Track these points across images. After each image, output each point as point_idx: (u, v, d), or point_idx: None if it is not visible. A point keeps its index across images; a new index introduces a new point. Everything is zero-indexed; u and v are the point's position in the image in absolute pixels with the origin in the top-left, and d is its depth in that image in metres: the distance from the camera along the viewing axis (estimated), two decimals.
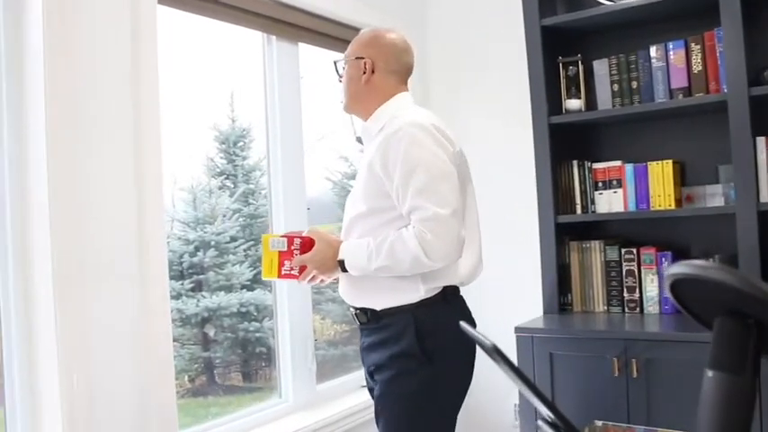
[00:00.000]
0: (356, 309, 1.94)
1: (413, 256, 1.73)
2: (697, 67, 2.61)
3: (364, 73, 1.95)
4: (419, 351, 1.80)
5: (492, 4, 3.30)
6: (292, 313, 2.79)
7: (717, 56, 2.57)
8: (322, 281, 1.98)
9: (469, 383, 1.93)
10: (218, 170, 3.09)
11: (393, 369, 1.84)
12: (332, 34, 2.96)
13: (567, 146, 2.93)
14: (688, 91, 2.63)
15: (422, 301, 1.83)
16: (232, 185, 3.20)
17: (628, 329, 2.56)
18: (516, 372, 0.82)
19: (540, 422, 1.04)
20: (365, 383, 2.97)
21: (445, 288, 1.87)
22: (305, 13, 2.81)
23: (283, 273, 1.93)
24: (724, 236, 2.66)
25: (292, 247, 1.92)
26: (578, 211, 2.88)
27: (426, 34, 3.48)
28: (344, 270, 1.87)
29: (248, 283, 3.49)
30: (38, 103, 1.89)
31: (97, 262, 1.98)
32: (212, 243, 2.98)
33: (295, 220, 2.80)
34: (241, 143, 3.35)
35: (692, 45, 2.62)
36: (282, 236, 1.94)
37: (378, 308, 1.87)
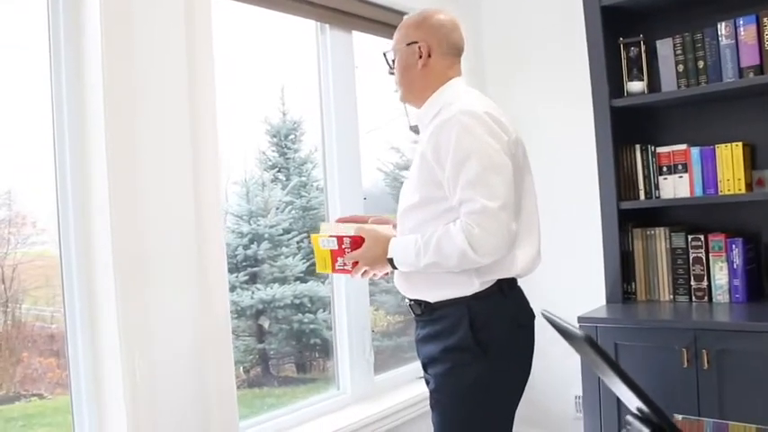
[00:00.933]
0: (411, 300, 1.91)
1: (460, 252, 1.67)
2: None
3: (420, 57, 1.88)
4: (474, 344, 1.75)
5: None
6: (349, 305, 2.78)
7: None
8: (375, 275, 1.95)
9: (527, 377, 1.87)
10: (270, 163, 3.09)
11: (447, 362, 1.79)
12: (385, 21, 2.91)
13: (629, 129, 2.83)
14: (760, 69, 2.50)
15: (476, 293, 1.77)
16: (284, 178, 3.21)
17: (697, 319, 2.46)
18: (611, 363, 0.77)
19: (629, 417, 0.99)
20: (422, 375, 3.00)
21: (500, 281, 1.80)
22: (358, 0, 2.77)
23: (337, 268, 1.92)
24: None
25: (343, 246, 1.89)
26: (641, 196, 2.78)
27: (481, 15, 3.40)
28: (394, 267, 1.84)
29: (302, 275, 3.50)
30: (97, 102, 1.91)
31: (157, 256, 1.99)
32: (266, 236, 2.99)
33: (351, 212, 2.78)
34: (292, 136, 3.35)
35: (765, 20, 2.49)
36: (331, 236, 1.91)
37: (432, 300, 1.83)
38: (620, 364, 2.42)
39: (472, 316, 1.76)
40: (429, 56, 1.88)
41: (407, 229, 1.85)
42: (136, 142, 1.95)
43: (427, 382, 1.96)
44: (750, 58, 2.53)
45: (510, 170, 1.74)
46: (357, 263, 1.87)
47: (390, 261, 1.82)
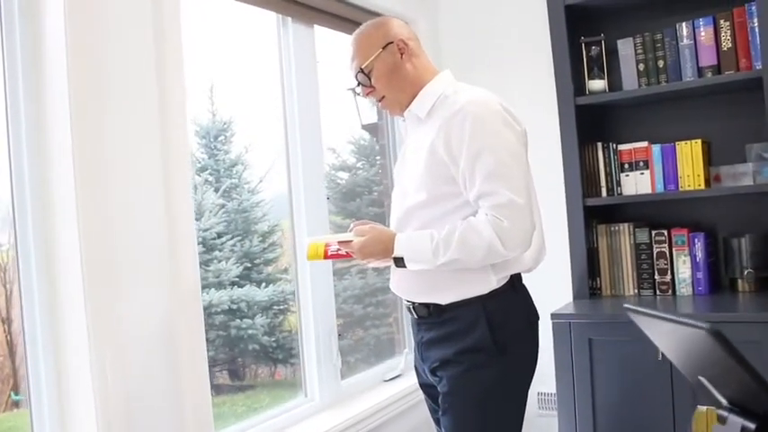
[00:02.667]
0: (415, 302, 1.82)
1: (488, 246, 1.61)
2: (726, 44, 2.57)
3: (403, 54, 1.80)
4: (492, 344, 1.69)
5: None
6: (316, 309, 2.67)
7: (747, 32, 2.53)
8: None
9: (534, 373, 1.84)
10: (200, 165, 2.95)
11: (462, 364, 1.72)
12: (346, 16, 2.84)
13: (590, 127, 2.87)
14: (717, 69, 2.59)
15: (492, 291, 1.72)
16: (214, 180, 3.08)
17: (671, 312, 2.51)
18: (739, 359, 0.73)
19: (721, 412, 0.96)
20: (387, 377, 2.93)
21: (512, 276, 1.77)
22: None
23: (330, 253, 1.80)
24: (753, 215, 2.64)
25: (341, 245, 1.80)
26: (603, 193, 2.83)
27: (438, 12, 3.37)
28: (401, 266, 1.74)
29: (237, 279, 3.37)
30: (61, 94, 1.73)
31: (127, 253, 1.84)
32: (199, 240, 2.85)
33: (315, 211, 2.69)
34: (222, 137, 3.22)
35: (721, 22, 2.58)
36: (328, 243, 1.81)
37: (443, 302, 1.75)
38: (595, 359, 2.47)
39: (489, 315, 1.70)
40: (408, 48, 1.81)
41: (413, 229, 1.76)
42: (102, 137, 1.79)
43: (425, 386, 1.90)
44: (708, 58, 2.62)
45: (526, 161, 1.70)
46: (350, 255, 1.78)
47: (396, 260, 1.72)
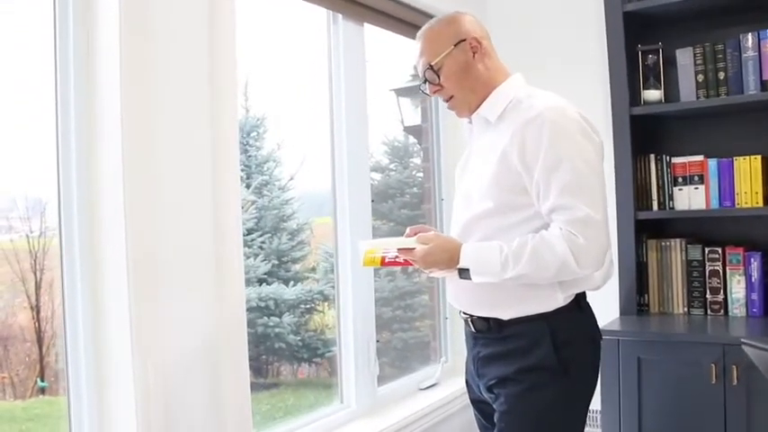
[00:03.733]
0: (474, 315, 1.74)
1: (561, 262, 1.53)
2: None
3: (475, 53, 1.70)
4: (556, 363, 1.62)
5: None
6: (356, 315, 2.61)
7: None
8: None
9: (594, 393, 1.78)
10: None
11: (523, 383, 1.64)
12: (396, 15, 2.77)
13: (643, 138, 2.78)
14: None
15: (557, 309, 1.64)
16: (246, 176, 3.04)
17: (723, 333, 2.42)
18: None
19: None
20: (423, 386, 2.87)
21: (577, 294, 1.69)
22: None
23: (387, 260, 1.71)
24: None
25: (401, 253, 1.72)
26: (655, 207, 2.74)
27: (486, 15, 3.29)
28: (465, 278, 1.65)
29: (265, 276, 3.33)
30: (113, 101, 1.69)
31: (173, 255, 1.80)
32: None
33: (359, 211, 2.63)
34: (255, 133, 3.19)
35: None
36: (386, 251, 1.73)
37: (505, 317, 1.67)
38: (644, 379, 2.38)
39: (553, 333, 1.63)
40: (482, 48, 1.72)
41: (476, 239, 1.68)
42: (152, 135, 1.75)
43: (476, 402, 1.83)
44: None
45: (603, 174, 1.63)
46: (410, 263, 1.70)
47: (461, 271, 1.64)
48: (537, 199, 1.60)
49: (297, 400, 3.34)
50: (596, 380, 1.75)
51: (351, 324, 2.60)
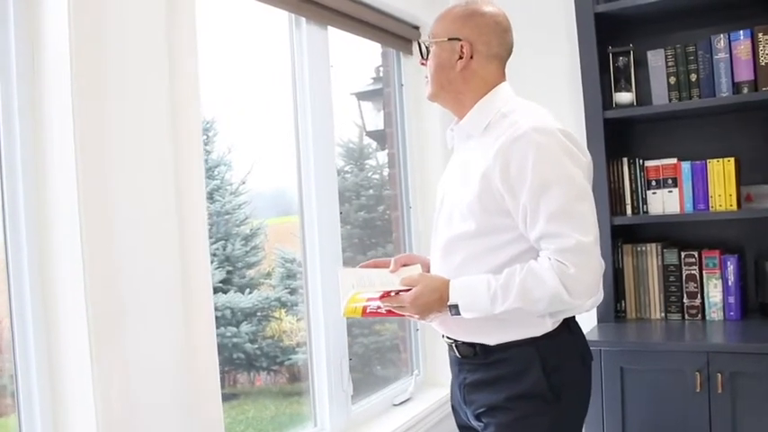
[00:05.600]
0: (458, 341, 1.65)
1: (552, 296, 1.45)
2: (765, 58, 2.45)
3: (460, 58, 1.62)
4: (547, 390, 1.54)
5: None
6: (328, 333, 2.47)
7: None
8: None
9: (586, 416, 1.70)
10: None
11: (514, 412, 1.56)
12: (362, 18, 2.65)
13: (615, 142, 2.73)
14: (754, 85, 2.48)
15: (546, 333, 1.56)
16: None
17: (710, 340, 2.38)
18: None
19: None
20: (397, 401, 2.76)
21: (567, 317, 1.61)
22: None
23: (369, 311, 1.59)
24: None
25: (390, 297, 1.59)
26: (628, 212, 2.70)
27: None
28: (455, 314, 1.56)
29: (220, 284, 3.20)
30: (62, 95, 1.52)
31: (135, 277, 1.63)
32: None
33: (327, 221, 2.50)
34: (204, 137, 3.04)
35: (760, 35, 2.46)
36: (370, 298, 1.59)
37: (492, 343, 1.58)
38: (627, 389, 2.33)
39: (543, 358, 1.54)
40: (471, 57, 1.63)
41: (456, 262, 1.59)
42: (108, 147, 1.57)
43: (472, 429, 1.73)
44: (745, 72, 2.50)
45: (592, 196, 1.54)
46: (393, 313, 1.59)
47: (451, 307, 1.54)
48: (524, 224, 1.52)
49: (258, 412, 3.21)
50: (588, 401, 1.67)
51: (323, 342, 2.46)
